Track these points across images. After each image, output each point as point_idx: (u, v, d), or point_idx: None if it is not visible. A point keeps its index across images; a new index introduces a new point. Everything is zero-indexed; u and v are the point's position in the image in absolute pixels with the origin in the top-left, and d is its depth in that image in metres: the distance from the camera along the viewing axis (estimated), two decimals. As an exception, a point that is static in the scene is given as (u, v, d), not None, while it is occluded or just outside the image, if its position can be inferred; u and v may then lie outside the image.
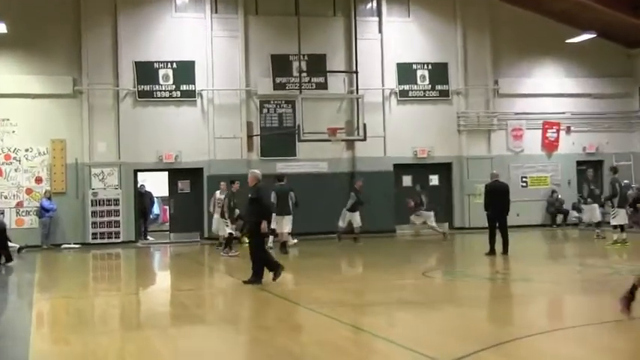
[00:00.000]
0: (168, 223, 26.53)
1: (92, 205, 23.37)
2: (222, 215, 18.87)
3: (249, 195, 12.95)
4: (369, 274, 15.07)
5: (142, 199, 25.40)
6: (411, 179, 26.28)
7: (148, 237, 25.51)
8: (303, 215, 21.43)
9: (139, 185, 25.69)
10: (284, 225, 19.64)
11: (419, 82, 25.94)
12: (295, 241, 20.92)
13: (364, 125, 22.40)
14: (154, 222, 27.95)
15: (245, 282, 12.85)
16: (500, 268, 15.37)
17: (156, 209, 28.68)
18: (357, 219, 21.79)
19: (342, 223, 21.97)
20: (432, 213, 22.47)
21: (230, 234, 18.75)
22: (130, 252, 22.17)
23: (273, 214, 19.28)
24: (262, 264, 12.86)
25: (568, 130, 27.17)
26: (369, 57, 25.06)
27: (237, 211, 18.68)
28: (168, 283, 15.52)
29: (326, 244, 22.16)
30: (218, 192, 19.62)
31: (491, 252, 17.01)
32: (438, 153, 25.99)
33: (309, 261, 17.97)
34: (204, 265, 17.81)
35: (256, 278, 12.84)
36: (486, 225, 17.52)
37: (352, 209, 21.84)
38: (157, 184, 27.05)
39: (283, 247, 19.34)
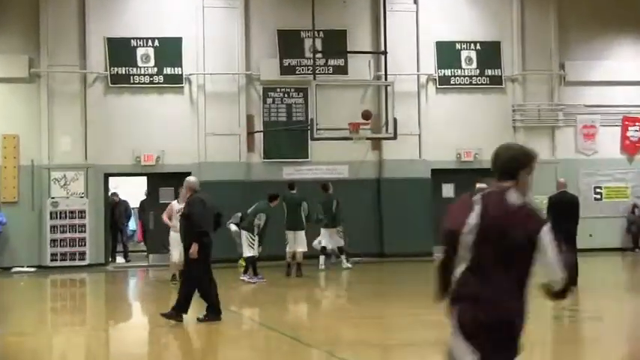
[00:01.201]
0: (144, 242, 26.57)
1: (51, 219, 23.41)
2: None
3: (183, 210, 13.14)
4: (401, 306, 15.04)
5: (114, 210, 25.46)
6: (453, 188, 26.19)
7: (122, 258, 25.54)
8: (316, 232, 21.37)
9: (110, 193, 25.72)
10: (297, 243, 19.99)
11: (464, 65, 25.88)
12: (349, 265, 21.67)
13: (394, 120, 22.32)
14: (130, 240, 28.01)
15: (199, 319, 12.84)
16: (567, 303, 15.23)
17: (132, 224, 28.71)
18: None
19: None
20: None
21: (252, 256, 19.11)
22: (99, 277, 22.17)
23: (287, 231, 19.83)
24: (207, 295, 12.88)
25: (654, 128, 27.03)
26: (401, 34, 25.01)
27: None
28: (146, 317, 15.50)
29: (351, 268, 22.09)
30: (175, 202, 19.48)
31: (556, 282, 16.88)
32: (487, 156, 25.51)
33: (326, 290, 17.93)
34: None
35: (211, 313, 12.84)
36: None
37: None
38: (132, 193, 27.09)
39: (298, 269, 19.87)
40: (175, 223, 18.79)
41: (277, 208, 19.61)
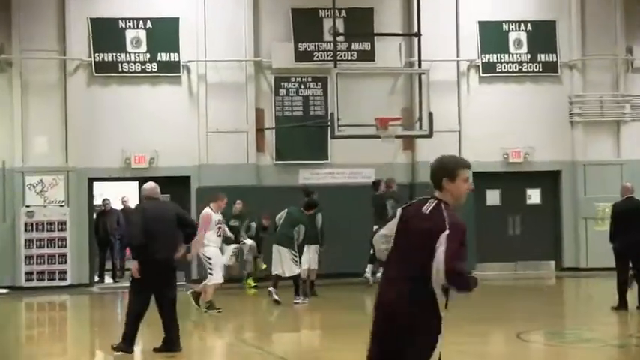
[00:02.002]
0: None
1: (26, 231, 23.49)
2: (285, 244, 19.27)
3: None
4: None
5: (105, 220, 25.56)
6: (499, 195, 26.14)
7: (110, 278, 25.64)
8: (340, 248, 21.47)
9: (102, 201, 25.85)
10: (311, 258, 20.38)
11: (512, 50, 25.88)
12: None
13: (430, 114, 22.32)
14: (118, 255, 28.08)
15: (155, 349, 13.09)
16: (636, 330, 15.20)
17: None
18: None
19: None
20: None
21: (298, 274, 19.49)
22: (82, 300, 22.24)
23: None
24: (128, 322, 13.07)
25: None
26: (437, 12, 25.01)
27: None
28: (138, 346, 15.55)
29: (371, 290, 22.10)
30: (211, 211, 19.14)
31: (622, 305, 16.87)
32: (540, 156, 25.91)
33: (348, 315, 17.99)
34: (189, 319, 17.88)
35: (170, 345, 13.03)
36: (614, 265, 17.37)
37: None
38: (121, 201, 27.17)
39: (312, 287, 20.43)
40: (215, 239, 18.58)
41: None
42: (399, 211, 6.85)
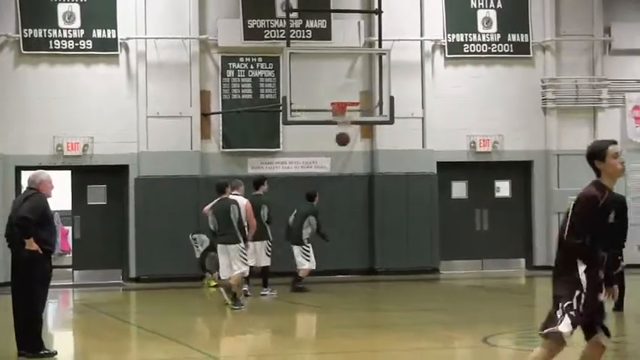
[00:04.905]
0: (70, 255, 26.49)
1: (-54, 225, 23.30)
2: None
3: None
4: (398, 337, 15.17)
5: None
6: (465, 187, 26.39)
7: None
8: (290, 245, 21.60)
9: (23, 191, 25.64)
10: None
11: (481, 29, 26.00)
12: None
13: (391, 99, 22.25)
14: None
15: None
16: (613, 333, 15.34)
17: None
18: None
19: None
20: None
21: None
22: (6, 302, 22.07)
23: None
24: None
25: None
26: (400, -12, 25.16)
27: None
28: (71, 352, 15.49)
29: (330, 289, 22.31)
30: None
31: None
32: (509, 145, 26.11)
33: (306, 316, 18.05)
34: (130, 323, 17.85)
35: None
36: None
37: None
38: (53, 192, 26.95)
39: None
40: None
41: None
42: None
